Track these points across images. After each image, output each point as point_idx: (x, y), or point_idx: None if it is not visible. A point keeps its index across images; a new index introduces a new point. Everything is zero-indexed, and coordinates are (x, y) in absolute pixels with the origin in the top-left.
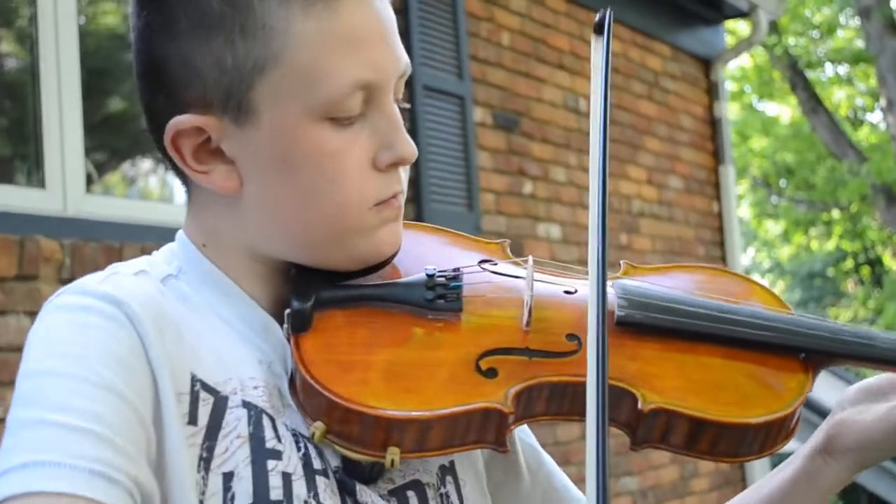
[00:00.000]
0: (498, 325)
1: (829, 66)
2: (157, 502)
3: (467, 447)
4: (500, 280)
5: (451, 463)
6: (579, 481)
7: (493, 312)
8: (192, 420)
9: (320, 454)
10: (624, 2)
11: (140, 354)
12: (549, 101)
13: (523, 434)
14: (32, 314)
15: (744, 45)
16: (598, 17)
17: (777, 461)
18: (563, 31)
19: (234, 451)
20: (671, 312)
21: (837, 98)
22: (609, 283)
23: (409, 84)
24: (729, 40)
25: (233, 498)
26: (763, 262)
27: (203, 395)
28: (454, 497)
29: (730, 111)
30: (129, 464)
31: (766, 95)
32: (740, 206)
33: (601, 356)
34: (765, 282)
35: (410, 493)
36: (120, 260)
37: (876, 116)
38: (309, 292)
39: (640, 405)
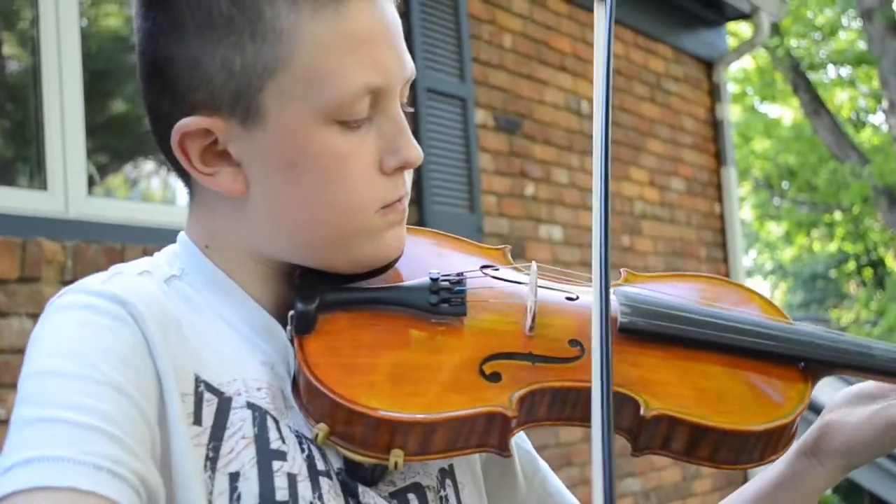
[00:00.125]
0: (501, 329)
1: (831, 67)
2: (162, 501)
3: (470, 451)
4: (502, 285)
5: (451, 466)
6: (581, 483)
7: (496, 317)
8: (197, 420)
9: (323, 456)
10: (626, 4)
11: (145, 354)
12: (550, 103)
13: (519, 439)
14: (34, 316)
15: (746, 46)
16: None
17: None
18: (564, 33)
19: (239, 452)
20: (674, 320)
21: (840, 100)
22: (611, 290)
23: (411, 86)
24: (731, 42)
25: (239, 498)
26: (765, 263)
27: (207, 395)
28: (453, 500)
29: (732, 113)
30: (136, 461)
31: (768, 97)
32: (742, 208)
33: (605, 359)
34: (767, 284)
35: (411, 496)
36: (122, 262)
37: (878, 118)
38: (313, 294)
39: (642, 411)
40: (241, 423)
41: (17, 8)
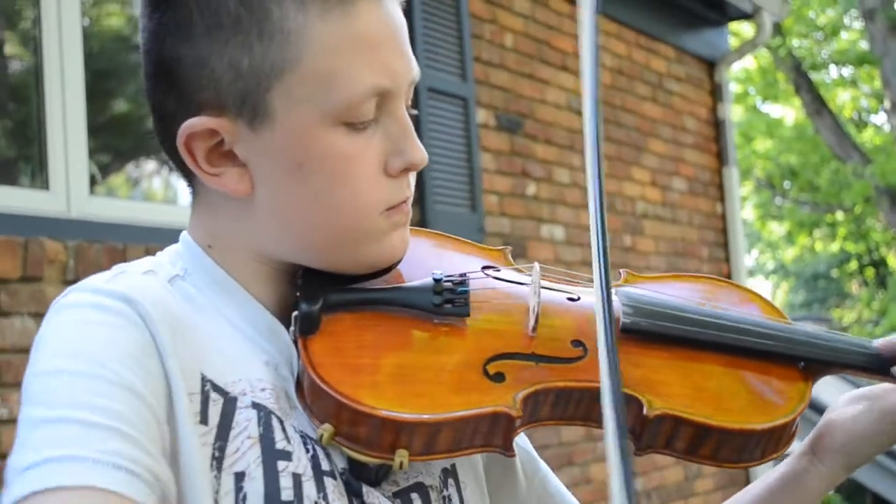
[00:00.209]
0: (504, 330)
1: (833, 67)
2: (173, 499)
3: (474, 450)
4: (504, 286)
5: (453, 466)
6: (582, 482)
7: (499, 318)
8: (203, 419)
9: (328, 456)
10: (628, 3)
11: (153, 353)
12: (552, 102)
13: (519, 439)
14: (37, 316)
15: (748, 46)
16: None
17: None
18: (566, 32)
19: (245, 452)
20: (676, 320)
21: (842, 100)
22: (613, 290)
23: None
24: (733, 42)
25: (244, 498)
26: (767, 263)
27: (213, 395)
28: (455, 499)
29: (734, 113)
30: (150, 459)
31: (770, 97)
32: (744, 208)
33: (611, 347)
34: (768, 284)
35: (414, 496)
36: (124, 261)
37: (880, 118)
38: (317, 295)
39: (645, 411)
40: (246, 422)
41: (18, 7)
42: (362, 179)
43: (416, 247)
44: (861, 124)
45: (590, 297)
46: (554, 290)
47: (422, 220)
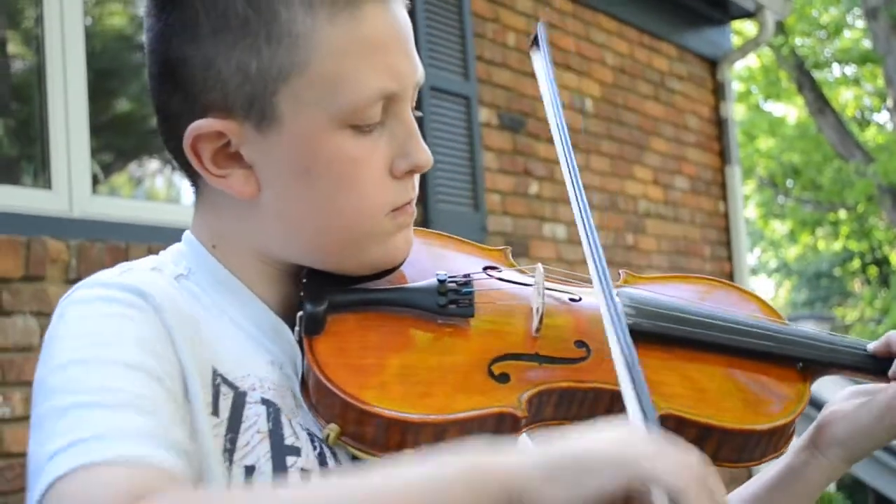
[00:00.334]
0: (508, 331)
1: (835, 66)
2: (200, 472)
3: None
4: (507, 287)
5: None
6: None
7: (503, 319)
8: (215, 411)
9: (333, 454)
10: (630, 2)
11: (167, 342)
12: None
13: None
14: (39, 315)
15: (750, 45)
16: (533, 35)
17: None
18: (569, 31)
19: (254, 446)
20: (678, 322)
21: (844, 98)
22: (614, 291)
23: None
24: (735, 41)
25: None
26: (769, 262)
27: (224, 388)
28: None
29: (736, 111)
30: (175, 432)
31: (772, 96)
32: (746, 207)
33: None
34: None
35: None
36: (126, 261)
37: (883, 117)
38: (322, 295)
39: None
40: (256, 417)
41: (21, 7)
42: (369, 182)
43: (417, 247)
44: (864, 123)
45: (593, 297)
46: (557, 290)
47: (424, 219)
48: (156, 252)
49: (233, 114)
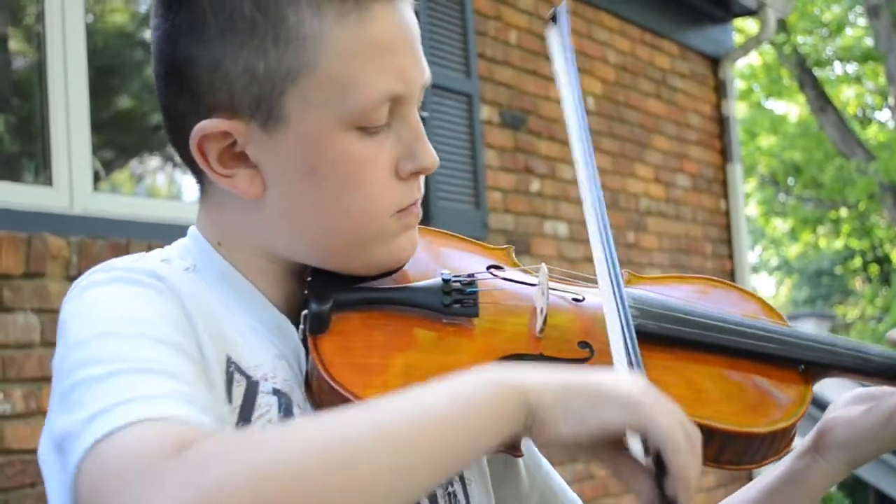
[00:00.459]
0: (511, 331)
1: (837, 64)
2: None
3: None
4: (511, 286)
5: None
6: (585, 478)
7: (506, 319)
8: (228, 399)
9: None
10: (632, 0)
11: (185, 323)
12: (556, 99)
13: None
14: (39, 311)
15: (752, 43)
16: (551, 12)
17: None
18: (571, 29)
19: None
20: (681, 323)
21: (846, 96)
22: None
23: None
24: (737, 38)
25: None
26: (771, 260)
27: (237, 376)
28: (461, 495)
29: (738, 109)
30: (209, 399)
31: (774, 94)
32: (748, 204)
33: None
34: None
35: None
36: None
37: (884, 115)
38: (326, 294)
39: None
40: (267, 407)
41: (22, 3)
42: (375, 183)
43: (421, 246)
44: (865, 121)
45: (596, 297)
46: (560, 290)
47: (425, 217)
48: (156, 249)
49: (239, 114)
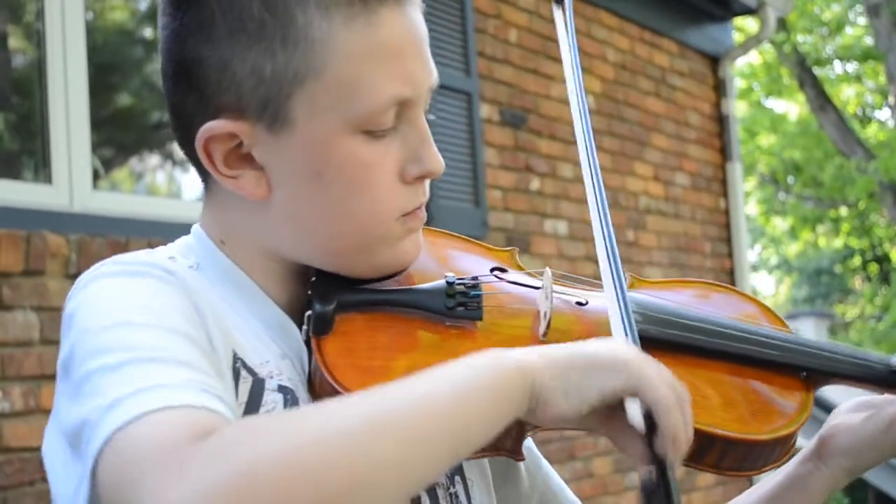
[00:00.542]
0: (515, 334)
1: (837, 63)
2: None
3: (485, 454)
4: (515, 289)
5: (460, 464)
6: (584, 476)
7: (510, 322)
8: (234, 394)
9: None
10: None
11: (196, 317)
12: (556, 97)
13: None
14: (39, 309)
15: (752, 42)
16: None
17: None
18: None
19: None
20: (684, 328)
21: (846, 95)
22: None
23: None
24: (737, 37)
25: None
26: (770, 258)
27: (243, 373)
28: (462, 497)
29: (737, 108)
30: (224, 390)
31: (774, 92)
32: (747, 203)
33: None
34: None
35: (422, 493)
36: None
37: (884, 114)
38: (330, 295)
39: None
40: (273, 404)
41: (22, 1)
42: (381, 187)
43: (426, 247)
44: (865, 120)
45: (599, 300)
46: (564, 294)
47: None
48: (155, 247)
49: (246, 115)
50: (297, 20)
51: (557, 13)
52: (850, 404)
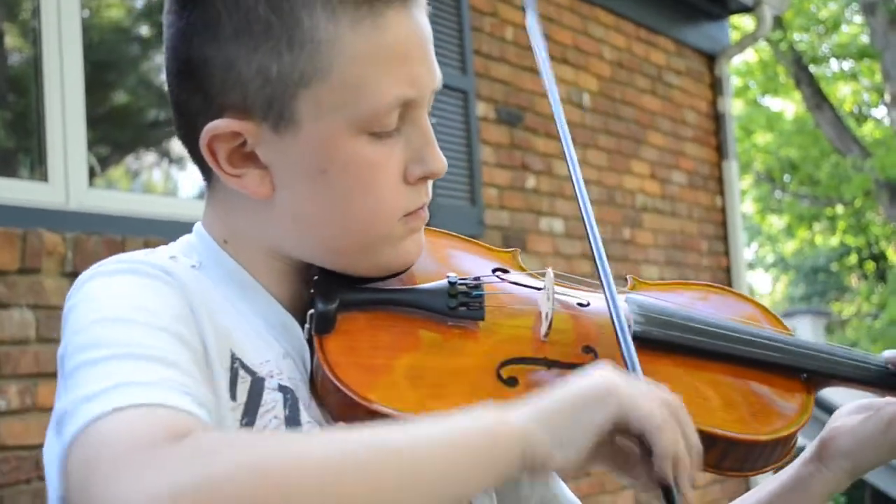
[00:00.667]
0: (516, 334)
1: (833, 61)
2: None
3: None
4: (516, 290)
5: None
6: (582, 475)
7: (511, 322)
8: (233, 395)
9: None
10: None
11: (190, 317)
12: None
13: None
14: (35, 307)
15: (748, 40)
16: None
17: None
18: (566, 25)
19: (272, 431)
20: (685, 330)
21: (842, 93)
22: (621, 297)
23: None
24: (733, 35)
25: None
26: (767, 256)
27: (241, 373)
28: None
29: (734, 106)
30: (206, 393)
31: (770, 91)
32: (744, 201)
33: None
34: (768, 277)
35: None
36: (122, 254)
37: (880, 112)
38: (333, 294)
39: None
40: (273, 403)
41: None
42: (384, 187)
43: (428, 247)
44: (861, 118)
45: (600, 302)
46: (566, 295)
47: None
48: (152, 245)
49: (251, 115)
50: (303, 22)
51: (528, 21)
52: (850, 406)
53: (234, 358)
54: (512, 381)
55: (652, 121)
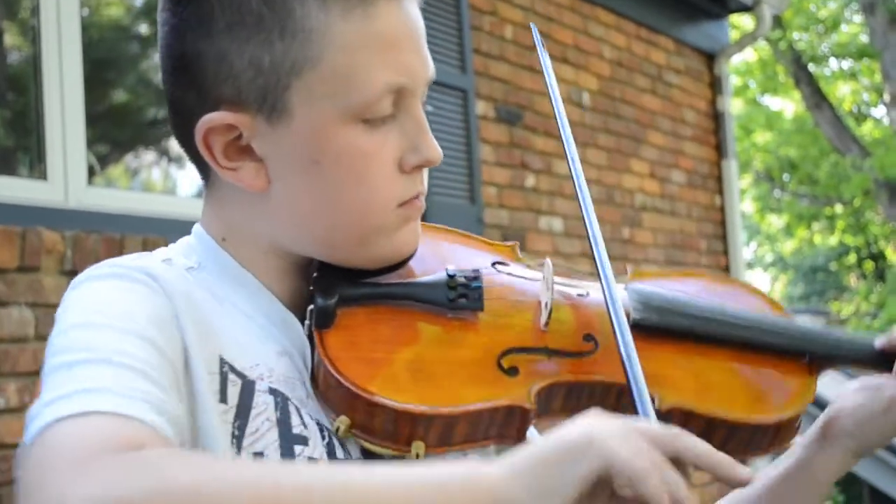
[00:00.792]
0: (516, 325)
1: (833, 60)
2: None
3: (488, 442)
4: (515, 281)
5: (465, 455)
6: None
7: (511, 313)
8: (223, 399)
9: (342, 445)
10: None
11: (173, 323)
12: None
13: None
14: (34, 306)
15: (748, 39)
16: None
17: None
18: (566, 24)
19: (263, 433)
20: (685, 316)
21: (841, 93)
22: (621, 286)
23: None
24: (733, 35)
25: None
26: (766, 256)
27: (231, 376)
28: None
29: (733, 106)
30: (174, 403)
31: (769, 90)
32: (743, 201)
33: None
34: (767, 277)
35: None
36: (121, 252)
37: (880, 111)
38: (332, 289)
39: (657, 404)
40: (264, 405)
41: None
42: (378, 176)
43: (426, 242)
44: (860, 117)
45: (599, 292)
46: (565, 285)
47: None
48: (151, 244)
49: (245, 107)
50: (295, 12)
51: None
52: (854, 385)
53: (222, 362)
54: (513, 371)
55: (651, 120)
